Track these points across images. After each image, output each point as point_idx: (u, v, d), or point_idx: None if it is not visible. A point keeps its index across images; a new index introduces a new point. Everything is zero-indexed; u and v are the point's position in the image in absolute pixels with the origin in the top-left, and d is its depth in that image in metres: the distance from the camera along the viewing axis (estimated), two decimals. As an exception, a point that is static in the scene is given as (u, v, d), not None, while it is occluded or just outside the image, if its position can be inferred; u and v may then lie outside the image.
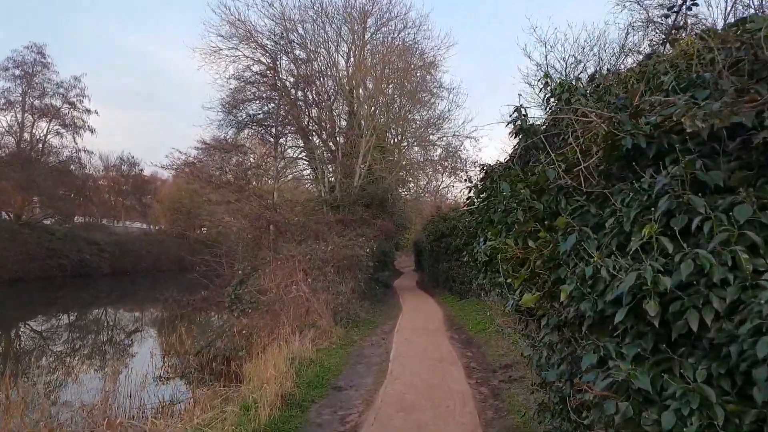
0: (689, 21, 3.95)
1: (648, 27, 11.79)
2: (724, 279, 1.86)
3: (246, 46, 23.80)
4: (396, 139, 29.55)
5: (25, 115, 41.68)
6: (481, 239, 4.59)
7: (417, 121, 28.42)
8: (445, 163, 28.30)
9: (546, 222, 2.91)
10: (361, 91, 25.71)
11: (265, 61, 24.07)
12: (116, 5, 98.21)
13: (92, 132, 44.80)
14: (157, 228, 55.95)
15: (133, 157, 55.81)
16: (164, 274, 43.89)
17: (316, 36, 25.01)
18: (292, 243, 18.01)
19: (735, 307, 1.83)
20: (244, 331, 13.04)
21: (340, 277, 16.65)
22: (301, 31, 24.64)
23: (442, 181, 30.30)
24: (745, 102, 2.06)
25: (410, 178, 30.28)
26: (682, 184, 2.12)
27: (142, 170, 56.15)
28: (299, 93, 24.69)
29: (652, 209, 2.16)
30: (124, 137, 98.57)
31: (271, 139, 23.92)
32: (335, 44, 25.69)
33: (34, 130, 42.65)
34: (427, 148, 28.84)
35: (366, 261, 18.83)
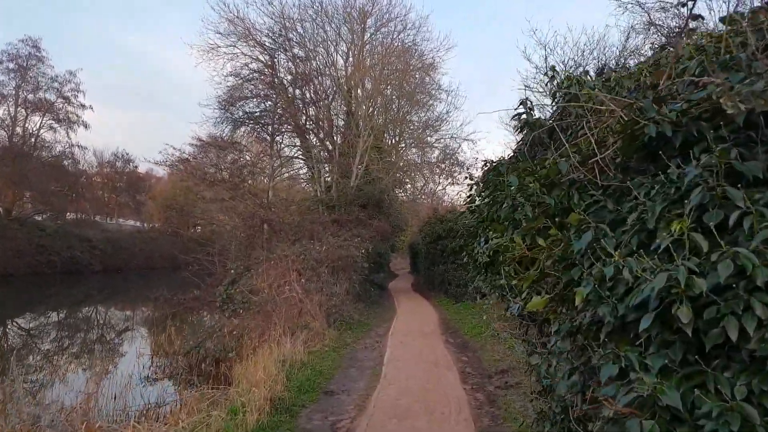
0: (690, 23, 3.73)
1: (649, 30, 11.64)
2: (769, 282, 1.63)
3: (244, 44, 23.63)
4: (394, 140, 29.40)
5: (18, 108, 41.32)
6: (482, 239, 4.37)
7: (415, 123, 28.35)
8: (443, 165, 28.15)
9: (557, 218, 2.68)
10: (359, 91, 25.55)
11: (263, 59, 23.89)
12: (116, 5, 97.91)
13: (86, 127, 44.45)
14: (150, 226, 55.53)
15: (127, 154, 55.47)
16: (157, 272, 43.60)
17: (315, 35, 24.88)
18: (286, 242, 17.81)
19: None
20: (234, 332, 12.83)
21: (334, 278, 16.48)
22: (300, 29, 24.51)
23: (439, 183, 30.16)
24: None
25: (407, 180, 30.14)
26: (716, 176, 1.89)
27: (136, 167, 55.82)
28: (297, 91, 24.50)
29: (682, 203, 1.93)
30: (125, 137, 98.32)
31: (267, 137, 23.68)
32: (334, 44, 25.55)
33: (26, 124, 42.35)
34: (425, 150, 28.70)
35: (361, 262, 18.68)
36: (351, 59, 25.66)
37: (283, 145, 25.80)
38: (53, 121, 42.96)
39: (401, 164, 28.12)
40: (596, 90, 3.20)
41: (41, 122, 42.40)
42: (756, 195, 1.82)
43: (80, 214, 49.88)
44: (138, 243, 48.98)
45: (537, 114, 3.88)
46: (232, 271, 17.44)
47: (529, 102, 3.65)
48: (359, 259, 18.47)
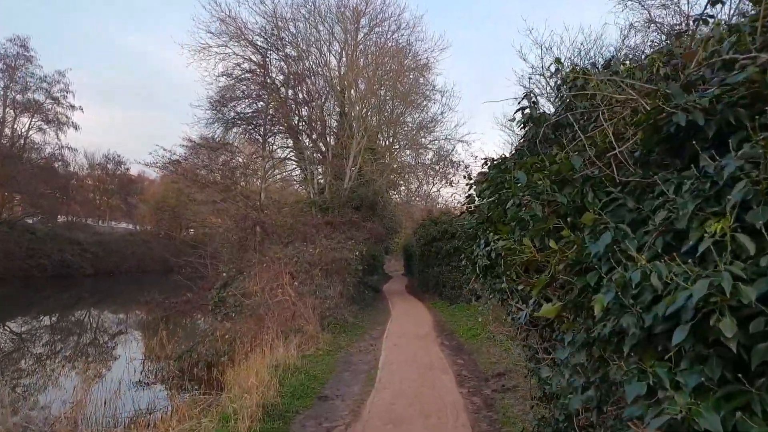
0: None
1: (649, 27, 11.49)
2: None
3: (236, 44, 23.44)
4: (387, 142, 29.29)
5: (7, 109, 40.77)
6: (482, 241, 4.17)
7: (409, 124, 28.27)
8: (437, 167, 28.01)
9: (569, 218, 2.48)
10: (352, 91, 25.38)
11: (255, 58, 23.66)
12: (116, 5, 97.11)
13: (76, 129, 44.00)
14: (143, 228, 55.09)
15: (119, 156, 54.90)
16: (149, 275, 43.19)
17: (308, 35, 24.72)
18: (279, 245, 17.61)
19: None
20: (227, 336, 12.62)
21: (327, 281, 16.31)
22: (292, 29, 24.35)
23: (434, 185, 30.04)
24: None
25: (401, 182, 30.01)
26: (763, 168, 1.68)
27: (128, 169, 55.32)
28: (289, 92, 24.29)
29: (719, 200, 1.74)
30: (125, 137, 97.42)
31: (259, 138, 23.44)
32: (327, 43, 25.41)
33: (15, 126, 41.79)
34: (419, 152, 28.58)
35: (355, 264, 18.52)
36: (344, 59, 25.54)
37: (275, 147, 25.60)
38: (42, 122, 42.50)
39: (395, 166, 27.99)
40: (605, 83, 3.02)
41: (30, 123, 41.92)
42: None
43: (71, 216, 49.37)
44: (130, 246, 48.61)
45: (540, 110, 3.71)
46: (224, 274, 17.23)
47: (533, 95, 3.45)
48: (353, 261, 18.33)
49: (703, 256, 1.70)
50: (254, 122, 23.34)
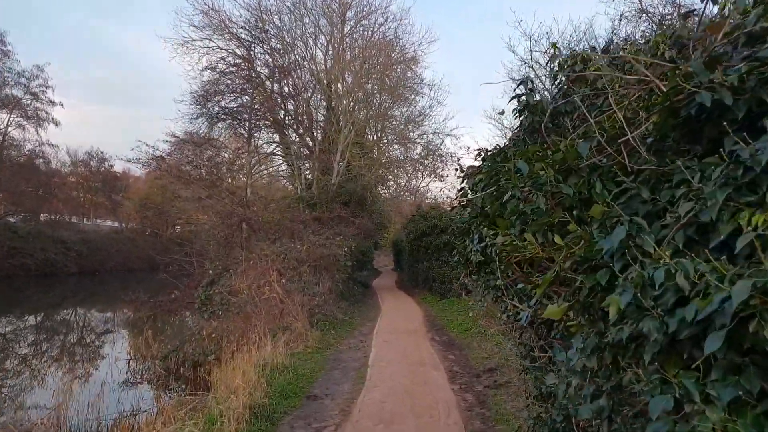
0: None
1: (641, 17, 11.35)
2: None
3: (220, 37, 23.03)
4: (375, 136, 29.07)
5: (-16, 106, 39.86)
6: (476, 236, 3.99)
7: (397, 118, 28.06)
8: (426, 162, 27.86)
9: (575, 211, 2.28)
10: (339, 85, 25.11)
11: (239, 52, 23.28)
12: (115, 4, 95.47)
13: (57, 125, 42.91)
14: (128, 226, 54.41)
15: (102, 152, 53.86)
16: (134, 273, 42.69)
17: (294, 28, 24.36)
18: (266, 242, 17.36)
19: None
20: (213, 335, 12.41)
21: (316, 278, 16.12)
22: (277, 22, 23.96)
23: (423, 180, 29.89)
24: None
25: (390, 176, 29.86)
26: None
27: (112, 166, 54.43)
28: (275, 86, 23.94)
29: (755, 189, 1.55)
30: (107, 133, 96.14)
31: (244, 133, 23.10)
32: (313, 36, 25.06)
33: (-7, 122, 40.83)
34: (407, 146, 28.40)
35: (344, 260, 18.36)
36: (331, 52, 25.25)
37: (261, 142, 25.24)
38: (21, 119, 41.43)
39: (383, 161, 27.79)
40: (627, 56, 2.80)
41: (9, 120, 40.88)
42: None
43: (55, 215, 48.59)
44: (115, 244, 48.07)
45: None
46: (210, 271, 16.95)
47: (530, 81, 3.26)
48: (342, 257, 18.18)
49: (733, 252, 1.51)
50: (239, 117, 23.01)
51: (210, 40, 22.98)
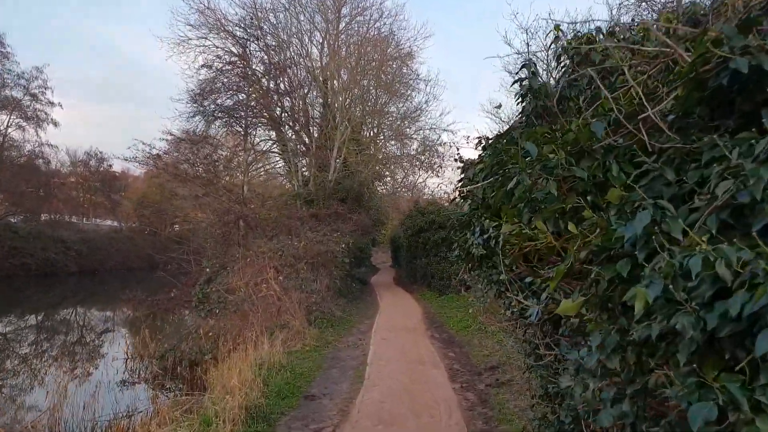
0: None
1: (640, 6, 11.18)
2: None
3: (216, 36, 23.10)
4: (372, 132, 28.97)
5: (-16, 108, 39.69)
6: (477, 228, 3.83)
7: (393, 114, 27.96)
8: (422, 158, 27.74)
9: (589, 197, 2.10)
10: (335, 82, 25.03)
11: (235, 50, 23.25)
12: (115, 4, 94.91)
13: (56, 125, 42.81)
14: (128, 225, 54.30)
15: (101, 152, 53.68)
16: (134, 272, 42.62)
17: (289, 25, 24.33)
18: (263, 239, 17.23)
19: None
20: (210, 333, 12.27)
21: (314, 275, 16.01)
22: (272, 19, 23.95)
23: (420, 176, 29.77)
24: None
25: (387, 173, 29.71)
26: None
27: (110, 165, 54.27)
28: (271, 83, 23.86)
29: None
30: (106, 133, 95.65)
31: (241, 130, 22.99)
32: (308, 33, 25.03)
33: (-7, 124, 40.67)
34: (404, 142, 28.32)
35: (341, 257, 18.25)
36: (326, 49, 25.22)
37: (258, 139, 25.20)
38: (21, 120, 41.36)
39: (380, 157, 27.70)
40: (647, 23, 2.63)
41: (9, 121, 40.81)
42: None
43: (55, 214, 48.51)
44: (114, 243, 47.96)
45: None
46: (207, 269, 16.81)
47: (532, 64, 3.10)
48: (339, 254, 18.09)
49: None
50: (236, 114, 22.92)
51: (206, 38, 23.08)
